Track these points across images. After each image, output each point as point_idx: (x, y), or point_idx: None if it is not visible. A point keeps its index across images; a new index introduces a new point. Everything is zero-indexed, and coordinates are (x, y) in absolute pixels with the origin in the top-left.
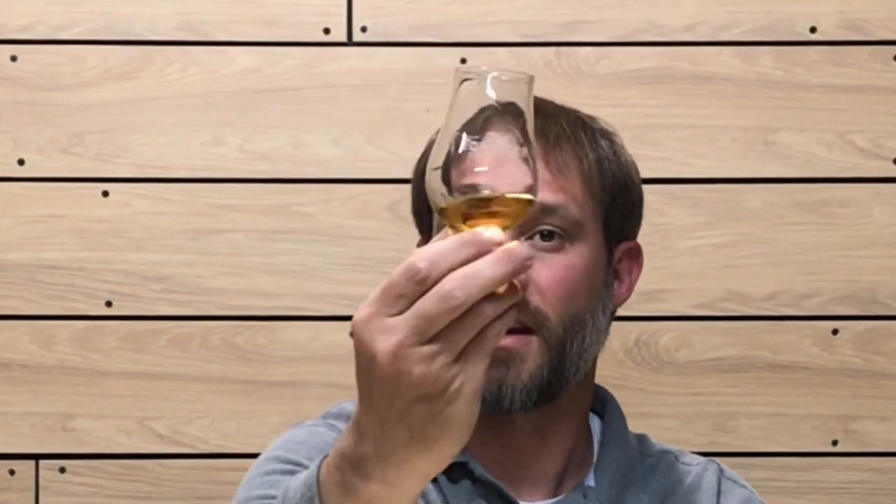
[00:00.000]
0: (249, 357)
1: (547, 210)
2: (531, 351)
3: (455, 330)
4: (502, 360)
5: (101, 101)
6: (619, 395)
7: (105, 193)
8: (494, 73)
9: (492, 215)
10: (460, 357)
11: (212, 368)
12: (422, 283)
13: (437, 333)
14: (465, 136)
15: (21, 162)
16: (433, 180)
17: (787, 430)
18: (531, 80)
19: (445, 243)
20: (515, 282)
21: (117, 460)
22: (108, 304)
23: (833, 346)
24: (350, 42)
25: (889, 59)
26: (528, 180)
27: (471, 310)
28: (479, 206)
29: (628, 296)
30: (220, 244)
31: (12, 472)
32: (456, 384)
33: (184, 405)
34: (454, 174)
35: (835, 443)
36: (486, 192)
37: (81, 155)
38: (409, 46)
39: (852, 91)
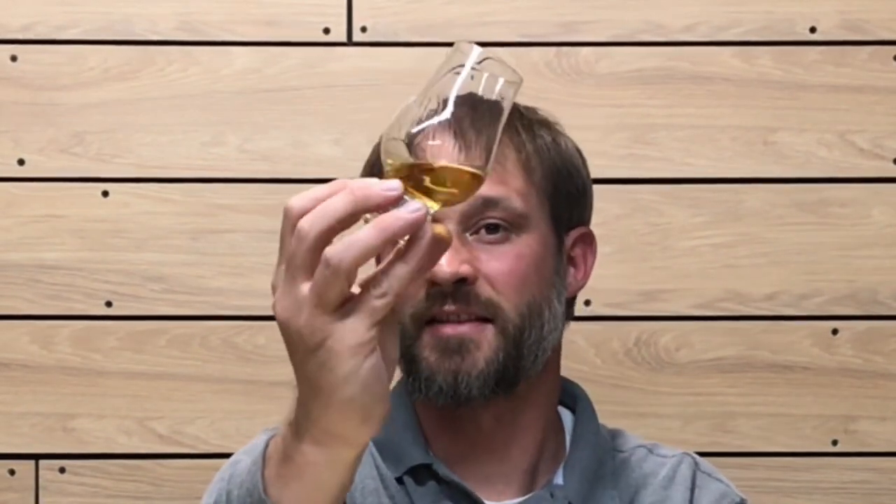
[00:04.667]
0: (249, 357)
1: (489, 203)
2: (486, 338)
3: (323, 282)
4: (456, 348)
5: (101, 101)
6: (619, 395)
7: (105, 193)
8: (491, 62)
9: (432, 187)
10: (337, 311)
11: (212, 368)
12: (288, 221)
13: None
14: (436, 109)
15: (21, 162)
16: (391, 146)
17: (787, 430)
18: (520, 82)
19: (318, 189)
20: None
21: (117, 460)
22: (108, 304)
23: (833, 346)
24: (350, 42)
25: (889, 59)
26: (478, 160)
27: (334, 262)
28: (420, 173)
29: (585, 282)
30: (219, 244)
31: (12, 472)
32: (334, 336)
33: (184, 405)
34: (413, 144)
35: (835, 443)
36: (428, 160)
37: (81, 155)
38: (409, 46)
39: (852, 91)
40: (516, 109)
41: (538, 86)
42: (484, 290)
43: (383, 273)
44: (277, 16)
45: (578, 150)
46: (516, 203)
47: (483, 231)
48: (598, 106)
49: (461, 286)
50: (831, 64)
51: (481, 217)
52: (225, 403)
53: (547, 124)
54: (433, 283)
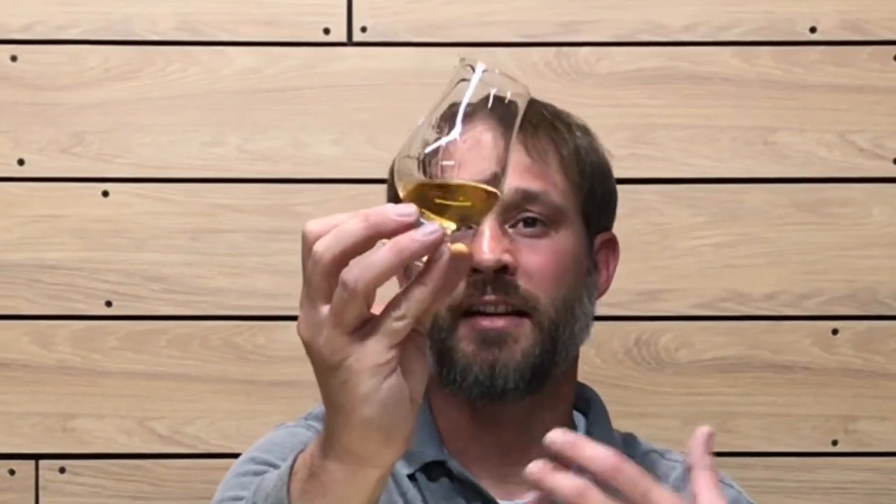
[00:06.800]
0: (249, 357)
1: (528, 197)
2: (524, 332)
3: (340, 304)
4: (494, 341)
5: (101, 101)
6: (619, 395)
7: (105, 193)
8: (498, 76)
9: (448, 203)
10: (356, 332)
11: (212, 368)
12: (306, 245)
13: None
14: (446, 127)
15: (21, 162)
16: (404, 166)
17: (787, 430)
18: (528, 95)
19: (337, 215)
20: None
21: (117, 460)
22: (108, 304)
23: (833, 346)
24: (350, 42)
25: (889, 59)
26: (495, 174)
27: (351, 284)
28: (434, 193)
29: (607, 287)
30: (220, 244)
31: (12, 472)
32: (353, 356)
33: (184, 405)
34: (427, 163)
35: (835, 443)
36: (443, 179)
37: (81, 155)
38: (409, 46)
39: (852, 91)
40: (554, 111)
41: (538, 86)
42: (522, 281)
43: (403, 295)
44: (277, 16)
45: (608, 157)
46: (555, 197)
47: (521, 224)
48: (598, 106)
49: (501, 275)
50: (831, 64)
51: (520, 210)
52: (225, 403)
53: (584, 129)
54: (474, 271)
